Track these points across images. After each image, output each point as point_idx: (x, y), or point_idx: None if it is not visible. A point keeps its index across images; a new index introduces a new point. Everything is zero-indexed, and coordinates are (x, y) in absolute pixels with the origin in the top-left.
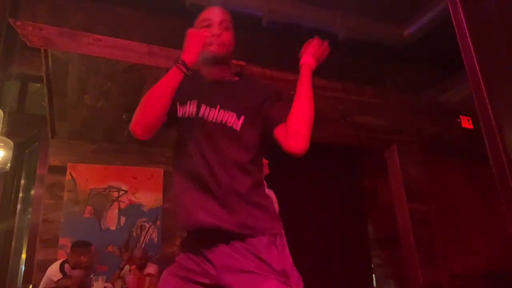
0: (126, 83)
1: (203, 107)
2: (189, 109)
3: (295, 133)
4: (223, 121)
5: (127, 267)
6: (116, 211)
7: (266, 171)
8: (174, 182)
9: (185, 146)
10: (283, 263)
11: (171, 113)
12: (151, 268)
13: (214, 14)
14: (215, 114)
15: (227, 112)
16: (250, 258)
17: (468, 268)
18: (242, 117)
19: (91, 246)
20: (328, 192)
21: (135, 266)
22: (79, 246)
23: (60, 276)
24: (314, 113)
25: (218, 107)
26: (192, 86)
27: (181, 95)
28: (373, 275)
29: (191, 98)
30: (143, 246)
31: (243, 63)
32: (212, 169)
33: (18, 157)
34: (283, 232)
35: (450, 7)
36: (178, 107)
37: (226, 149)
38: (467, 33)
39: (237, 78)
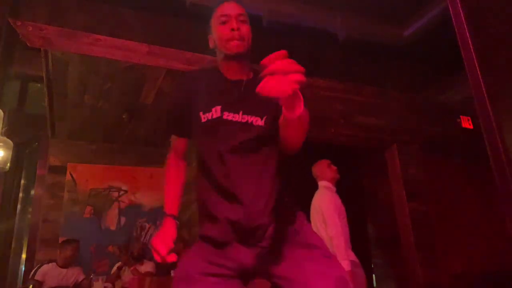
0: (126, 83)
1: (225, 113)
2: (214, 114)
3: (291, 152)
4: (248, 121)
5: (126, 267)
6: (116, 211)
7: (336, 176)
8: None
9: (207, 149)
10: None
11: (189, 129)
12: (149, 266)
13: (230, 9)
14: (238, 118)
15: (251, 117)
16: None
17: (468, 268)
18: (265, 117)
19: (77, 241)
20: None
21: (134, 267)
22: (64, 243)
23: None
24: (314, 114)
25: (240, 112)
26: (213, 88)
27: (203, 102)
28: (373, 275)
29: (215, 103)
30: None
31: None
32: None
33: (18, 157)
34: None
35: (450, 7)
36: (201, 115)
37: (249, 150)
38: (467, 33)
39: (252, 75)
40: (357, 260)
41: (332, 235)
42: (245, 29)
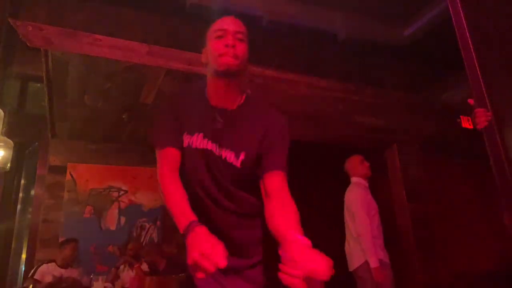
0: (126, 83)
1: (205, 141)
2: (195, 140)
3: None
4: (223, 157)
5: (122, 266)
6: (116, 211)
7: (368, 172)
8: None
9: (188, 176)
10: None
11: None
12: (147, 266)
13: (228, 24)
14: (217, 150)
15: (227, 151)
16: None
17: (468, 268)
18: (242, 154)
19: (76, 241)
20: (328, 192)
21: (137, 265)
22: (64, 243)
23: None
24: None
25: (220, 143)
26: (198, 112)
27: (189, 123)
28: None
29: (198, 129)
30: (143, 242)
31: None
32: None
33: (18, 157)
34: None
35: (450, 7)
36: (185, 135)
37: (226, 183)
38: (467, 33)
39: (242, 102)
40: (387, 261)
41: (359, 232)
42: (242, 48)
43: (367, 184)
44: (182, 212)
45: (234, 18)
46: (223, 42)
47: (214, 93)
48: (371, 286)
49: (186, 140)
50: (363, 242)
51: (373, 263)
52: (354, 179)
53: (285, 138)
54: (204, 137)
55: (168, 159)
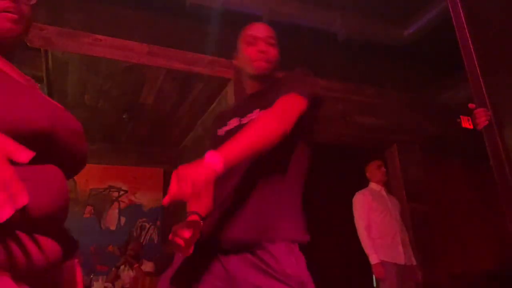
0: (126, 83)
1: (244, 120)
2: (232, 125)
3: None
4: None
5: (122, 266)
6: (116, 211)
7: (384, 178)
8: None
9: None
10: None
11: None
12: (148, 266)
13: (259, 31)
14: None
15: (250, 116)
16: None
17: (468, 268)
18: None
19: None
20: (327, 192)
21: (137, 265)
22: None
23: None
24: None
25: (246, 114)
26: (230, 110)
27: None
28: (373, 275)
29: (231, 117)
30: (143, 242)
31: None
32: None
33: None
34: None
35: (450, 7)
36: (218, 131)
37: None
38: (467, 33)
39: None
40: (393, 262)
41: (356, 226)
42: (273, 52)
43: (379, 189)
44: None
45: (264, 24)
46: (256, 49)
47: (248, 90)
48: (386, 282)
49: (221, 131)
50: (360, 236)
51: (372, 260)
52: (370, 184)
53: (296, 76)
54: (240, 118)
55: None
